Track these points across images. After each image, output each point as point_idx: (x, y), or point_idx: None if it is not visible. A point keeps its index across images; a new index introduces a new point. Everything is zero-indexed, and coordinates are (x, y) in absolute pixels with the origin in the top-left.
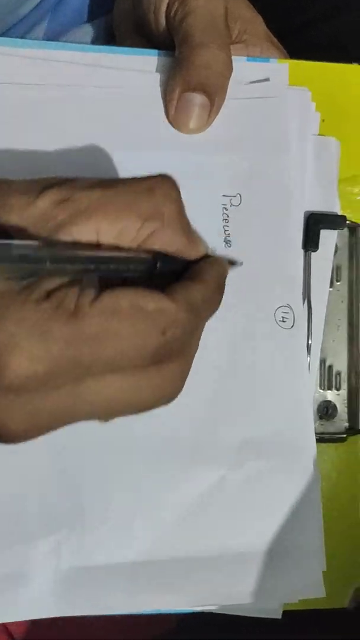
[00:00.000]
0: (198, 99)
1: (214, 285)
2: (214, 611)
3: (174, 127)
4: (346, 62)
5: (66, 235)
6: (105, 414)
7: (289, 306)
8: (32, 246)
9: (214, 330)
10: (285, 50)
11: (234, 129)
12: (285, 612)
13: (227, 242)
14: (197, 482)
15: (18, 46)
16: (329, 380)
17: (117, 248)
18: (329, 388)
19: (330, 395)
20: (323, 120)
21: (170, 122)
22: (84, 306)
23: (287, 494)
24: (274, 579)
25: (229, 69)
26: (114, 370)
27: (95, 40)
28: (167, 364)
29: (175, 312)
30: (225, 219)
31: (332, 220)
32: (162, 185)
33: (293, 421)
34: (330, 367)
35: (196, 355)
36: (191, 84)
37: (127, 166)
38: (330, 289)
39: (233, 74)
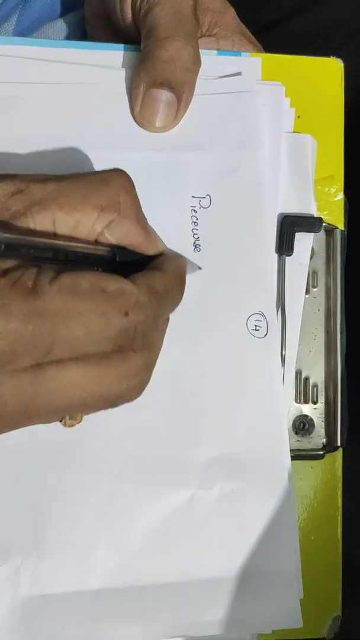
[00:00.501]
0: (164, 95)
1: (174, 277)
2: None
3: (139, 125)
4: (323, 56)
5: (23, 225)
6: (69, 405)
7: (261, 314)
8: None
9: (181, 340)
10: (260, 44)
11: (203, 127)
12: None
13: (197, 246)
14: (165, 504)
15: None
16: (305, 394)
17: (74, 239)
18: (305, 402)
19: (307, 409)
20: (298, 117)
21: (135, 120)
22: (43, 284)
23: (261, 514)
24: (247, 608)
25: (197, 63)
26: (76, 357)
27: (69, 36)
28: (131, 353)
29: (136, 294)
30: (194, 222)
31: (308, 223)
32: (116, 177)
33: (267, 437)
34: (306, 379)
35: (163, 367)
36: (157, 79)
37: (92, 165)
38: (306, 296)
39: (203, 68)
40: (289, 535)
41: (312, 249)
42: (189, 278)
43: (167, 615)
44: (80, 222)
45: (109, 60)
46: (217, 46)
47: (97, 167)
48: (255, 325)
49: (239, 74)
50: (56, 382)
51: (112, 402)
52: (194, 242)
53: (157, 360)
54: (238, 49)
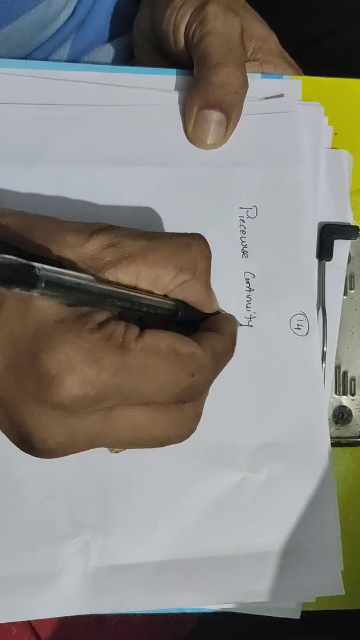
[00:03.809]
0: (215, 115)
1: (230, 339)
2: (233, 610)
3: (192, 142)
4: (357, 77)
5: (110, 276)
6: (127, 442)
7: (303, 314)
8: (87, 278)
9: None
10: (299, 65)
11: (249, 144)
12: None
13: (244, 252)
14: (218, 484)
15: (43, 68)
16: (344, 386)
17: (150, 292)
18: (344, 393)
19: (345, 400)
20: (335, 134)
21: (188, 137)
22: (130, 341)
23: (304, 495)
24: (293, 578)
25: (245, 87)
26: (144, 404)
27: (116, 59)
28: (187, 405)
29: (203, 358)
30: (242, 230)
31: (345, 231)
32: (198, 243)
33: (309, 425)
34: (345, 373)
35: None
36: (209, 101)
37: (146, 181)
38: (344, 297)
39: (248, 90)
40: (330, 513)
41: (349, 254)
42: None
43: (222, 584)
44: (159, 278)
45: (161, 84)
46: (261, 70)
47: (155, 181)
48: (298, 325)
49: (281, 95)
50: (123, 423)
51: (163, 443)
52: (242, 249)
53: None
54: (280, 72)
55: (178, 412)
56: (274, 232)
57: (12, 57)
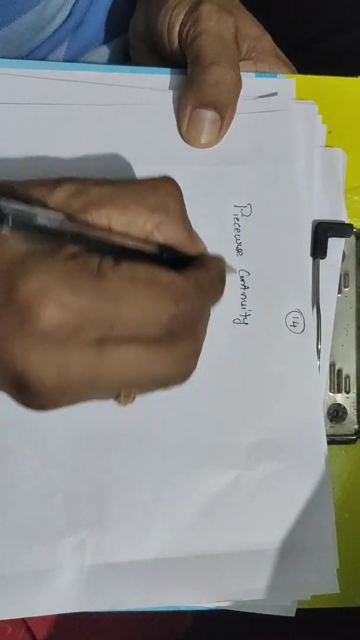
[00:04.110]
0: (209, 115)
1: (216, 274)
2: (229, 608)
3: (186, 141)
4: (352, 76)
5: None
6: (126, 381)
7: (299, 311)
8: (57, 218)
9: (227, 334)
10: (294, 64)
11: (243, 142)
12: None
13: (239, 250)
14: (214, 482)
15: (40, 68)
16: (339, 384)
17: (127, 235)
18: (339, 391)
19: (340, 398)
20: (329, 132)
21: (182, 137)
22: (107, 270)
23: (300, 493)
24: (288, 576)
25: (238, 86)
26: (132, 339)
27: (112, 61)
28: (180, 341)
29: (186, 287)
30: (237, 229)
31: (340, 229)
32: (166, 184)
33: (305, 422)
34: (339, 370)
35: (211, 358)
36: (203, 101)
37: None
38: (339, 295)
39: (242, 89)
40: (326, 511)
41: (344, 252)
42: (229, 279)
43: (217, 582)
44: (132, 221)
45: (156, 83)
46: (255, 68)
47: None
48: (294, 322)
49: (275, 94)
50: (116, 357)
51: (163, 383)
52: (237, 247)
53: (207, 353)
54: (274, 71)
55: (172, 348)
56: (268, 230)
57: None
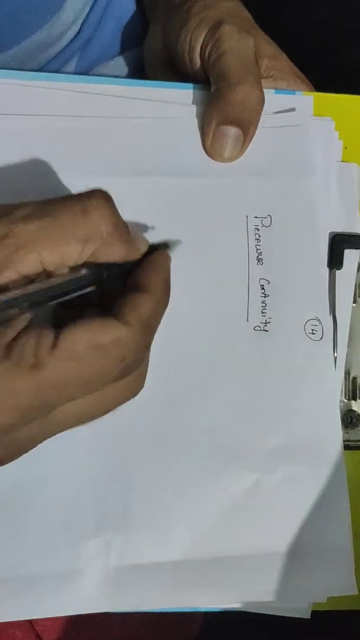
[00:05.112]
0: (233, 131)
1: (160, 293)
2: (244, 610)
3: (209, 156)
4: None
5: (12, 272)
6: (77, 424)
7: (317, 319)
8: None
9: (249, 341)
10: (308, 78)
11: (263, 156)
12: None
13: (259, 260)
14: (235, 485)
15: (63, 81)
16: (353, 391)
17: (62, 274)
18: (353, 398)
19: (355, 405)
20: (345, 148)
21: (206, 151)
22: (43, 356)
23: (317, 496)
24: (306, 578)
25: (262, 104)
26: (79, 399)
27: (122, 75)
28: (128, 376)
29: (130, 338)
30: (257, 239)
31: (355, 241)
32: (97, 205)
33: (322, 427)
34: (354, 378)
35: (233, 364)
36: (227, 118)
37: (165, 191)
38: (354, 305)
39: None
40: (342, 514)
41: (359, 263)
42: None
43: (237, 583)
44: (65, 256)
45: (179, 97)
46: (275, 86)
47: (173, 192)
48: (312, 329)
49: (293, 109)
50: (64, 417)
51: (113, 409)
52: (257, 257)
53: (229, 359)
54: (292, 88)
55: (120, 385)
56: (287, 240)
57: None
